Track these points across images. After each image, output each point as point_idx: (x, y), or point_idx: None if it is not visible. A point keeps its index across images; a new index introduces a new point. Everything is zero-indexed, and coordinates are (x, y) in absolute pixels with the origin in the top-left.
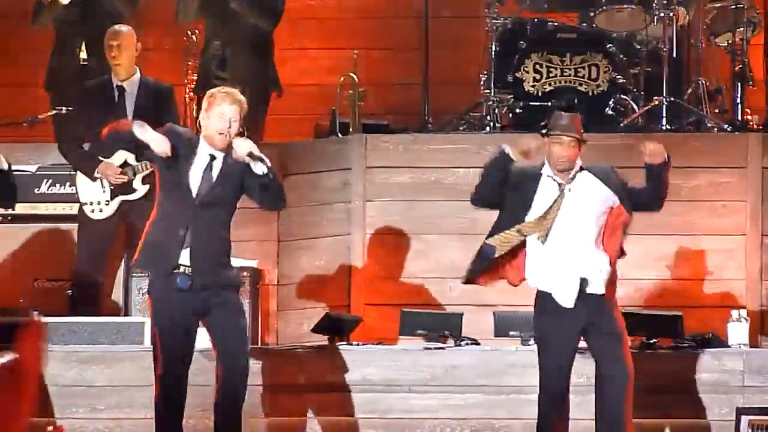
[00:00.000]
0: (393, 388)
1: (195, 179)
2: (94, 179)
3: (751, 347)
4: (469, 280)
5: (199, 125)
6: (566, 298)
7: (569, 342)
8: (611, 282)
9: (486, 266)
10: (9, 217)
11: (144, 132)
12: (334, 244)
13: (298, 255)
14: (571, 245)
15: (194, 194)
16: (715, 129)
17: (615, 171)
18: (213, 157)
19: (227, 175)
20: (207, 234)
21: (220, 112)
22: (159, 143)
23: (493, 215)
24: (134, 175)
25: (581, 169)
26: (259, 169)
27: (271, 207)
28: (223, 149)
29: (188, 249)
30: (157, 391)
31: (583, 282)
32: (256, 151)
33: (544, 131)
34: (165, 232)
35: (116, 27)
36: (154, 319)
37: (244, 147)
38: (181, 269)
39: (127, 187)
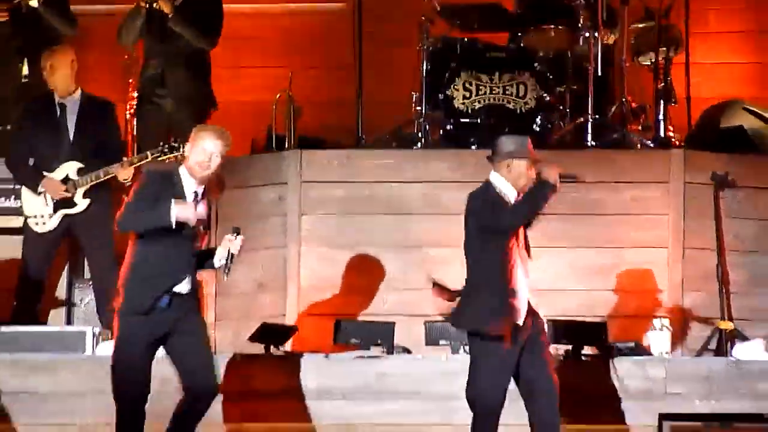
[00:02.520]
0: (327, 395)
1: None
2: (38, 194)
3: (672, 355)
4: None
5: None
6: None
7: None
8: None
9: None
10: None
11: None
12: (271, 256)
13: (235, 267)
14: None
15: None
16: (639, 146)
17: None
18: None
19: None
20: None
21: (203, 148)
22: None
23: (421, 226)
24: (75, 189)
25: None
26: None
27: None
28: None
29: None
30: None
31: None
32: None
33: (519, 156)
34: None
35: (50, 48)
36: None
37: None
38: None
39: (68, 202)
